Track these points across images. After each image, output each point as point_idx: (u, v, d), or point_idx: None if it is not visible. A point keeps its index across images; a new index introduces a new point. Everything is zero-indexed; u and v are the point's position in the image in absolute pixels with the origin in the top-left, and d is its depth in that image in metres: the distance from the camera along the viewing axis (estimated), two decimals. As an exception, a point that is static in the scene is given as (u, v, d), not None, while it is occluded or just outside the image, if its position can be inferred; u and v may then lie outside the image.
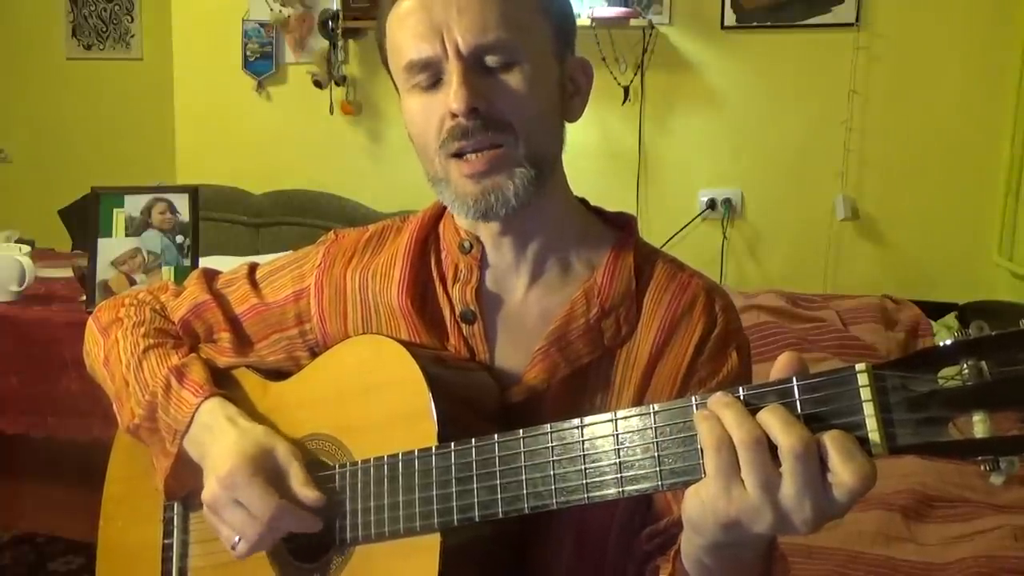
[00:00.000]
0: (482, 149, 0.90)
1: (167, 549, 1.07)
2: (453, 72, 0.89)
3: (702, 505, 0.71)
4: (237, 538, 0.92)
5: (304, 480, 0.93)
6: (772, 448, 0.68)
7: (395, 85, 0.97)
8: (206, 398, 1.00)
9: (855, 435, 0.66)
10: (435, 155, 0.92)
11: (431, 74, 0.91)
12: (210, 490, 0.93)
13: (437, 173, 0.93)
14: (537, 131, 0.92)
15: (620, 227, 1.03)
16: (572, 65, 0.98)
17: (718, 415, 0.70)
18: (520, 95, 0.90)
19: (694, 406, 0.73)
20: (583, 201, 1.05)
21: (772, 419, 0.68)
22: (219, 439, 0.96)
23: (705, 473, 0.70)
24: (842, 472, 0.66)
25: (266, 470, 0.93)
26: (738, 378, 0.96)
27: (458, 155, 0.91)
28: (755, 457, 0.68)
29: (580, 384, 0.96)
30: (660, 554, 0.93)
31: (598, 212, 1.05)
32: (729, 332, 0.97)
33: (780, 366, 0.71)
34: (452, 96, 0.88)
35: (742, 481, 0.69)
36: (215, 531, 0.95)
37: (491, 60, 0.90)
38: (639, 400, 0.95)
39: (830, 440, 0.67)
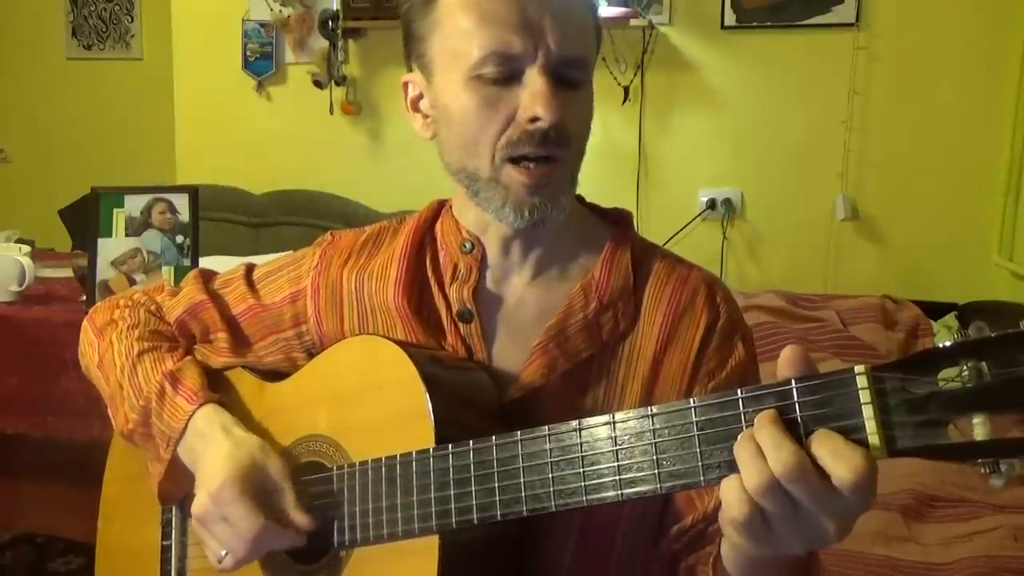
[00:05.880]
0: (542, 160, 0.89)
1: (166, 550, 1.07)
2: (540, 77, 0.87)
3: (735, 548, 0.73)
4: (224, 552, 0.92)
5: (295, 504, 0.93)
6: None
7: (410, 60, 0.95)
8: (200, 405, 1.00)
9: (854, 437, 0.66)
10: (488, 151, 0.90)
11: (508, 69, 0.88)
12: (200, 503, 0.93)
13: (483, 171, 0.91)
14: (583, 150, 0.94)
15: (616, 222, 1.03)
16: None
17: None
18: (583, 115, 0.92)
19: (692, 408, 0.72)
20: (579, 198, 1.04)
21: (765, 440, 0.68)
22: (211, 448, 0.96)
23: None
24: (836, 470, 0.65)
25: (256, 486, 0.93)
26: (746, 368, 0.97)
27: (516, 160, 0.89)
28: (775, 508, 0.68)
29: (580, 380, 0.95)
30: (689, 552, 0.93)
31: (593, 208, 1.05)
32: (733, 322, 0.98)
33: (784, 361, 0.70)
34: (543, 104, 0.86)
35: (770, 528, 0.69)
36: (202, 544, 0.95)
37: (568, 75, 0.89)
38: (646, 395, 0.95)
39: (816, 444, 0.66)
